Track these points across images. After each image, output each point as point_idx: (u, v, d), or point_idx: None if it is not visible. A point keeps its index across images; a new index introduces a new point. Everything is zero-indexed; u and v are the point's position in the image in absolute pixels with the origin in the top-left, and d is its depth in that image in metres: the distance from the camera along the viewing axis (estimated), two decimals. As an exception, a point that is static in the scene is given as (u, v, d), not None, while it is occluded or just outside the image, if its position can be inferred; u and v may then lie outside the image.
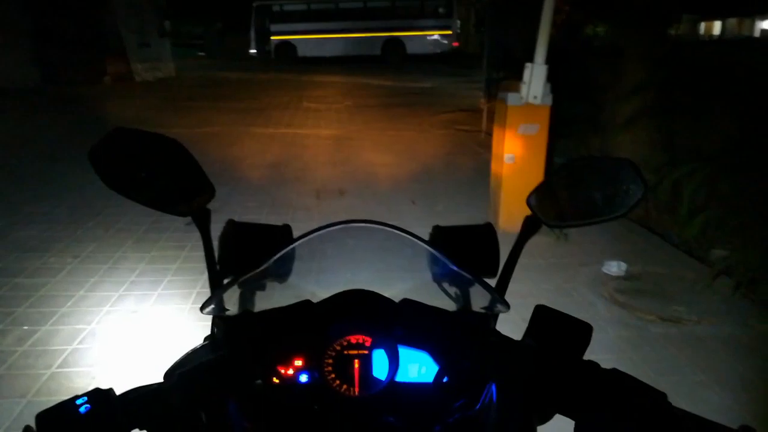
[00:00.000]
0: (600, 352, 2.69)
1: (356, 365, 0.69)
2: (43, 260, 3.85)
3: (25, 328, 3.00)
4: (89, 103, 11.70)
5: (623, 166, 0.82)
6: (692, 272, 3.75)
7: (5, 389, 2.49)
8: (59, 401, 0.56)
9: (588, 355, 0.68)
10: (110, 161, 0.79)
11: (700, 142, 4.17)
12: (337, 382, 0.69)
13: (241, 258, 0.88)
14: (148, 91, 13.93)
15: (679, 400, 0.58)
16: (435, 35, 21.37)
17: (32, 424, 0.55)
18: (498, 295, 0.78)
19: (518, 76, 4.16)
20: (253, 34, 23.00)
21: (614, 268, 3.73)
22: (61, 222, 4.60)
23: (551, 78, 4.08)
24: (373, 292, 0.77)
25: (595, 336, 0.71)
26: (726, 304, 3.33)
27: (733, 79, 4.09)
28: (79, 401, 0.56)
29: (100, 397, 0.58)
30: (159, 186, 0.83)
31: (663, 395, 0.59)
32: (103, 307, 3.24)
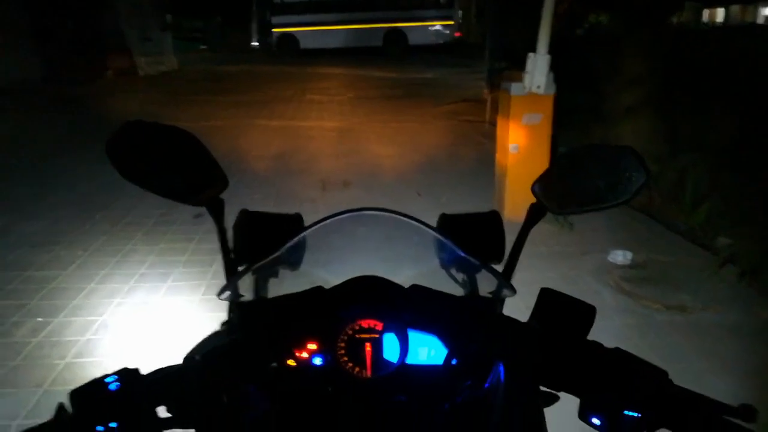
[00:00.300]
0: (606, 340, 2.66)
1: (368, 348, 0.72)
2: (53, 254, 3.89)
3: (39, 319, 3.04)
4: (92, 100, 11.70)
5: (625, 154, 0.83)
6: (697, 260, 3.77)
7: (21, 379, 2.53)
8: (90, 379, 0.59)
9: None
10: (126, 153, 0.81)
11: (702, 132, 4.18)
12: (350, 364, 0.72)
13: (254, 246, 0.90)
14: (151, 86, 13.93)
15: (684, 386, 0.60)
16: (437, 26, 21.25)
17: (54, 410, 0.58)
18: (504, 279, 0.81)
19: (521, 66, 4.17)
20: (254, 27, 22.96)
21: (619, 256, 3.75)
22: (68, 217, 4.63)
23: (554, 67, 4.09)
24: (383, 278, 0.79)
25: (601, 324, 0.73)
26: (731, 292, 3.35)
27: (734, 67, 4.09)
28: (108, 379, 0.59)
29: (128, 375, 0.61)
30: (174, 177, 0.85)
31: (664, 373, 0.61)
32: (114, 298, 3.28)
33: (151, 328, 2.98)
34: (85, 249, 3.96)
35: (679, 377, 0.61)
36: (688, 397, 0.60)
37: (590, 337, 0.72)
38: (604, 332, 0.73)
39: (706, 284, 3.44)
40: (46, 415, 0.57)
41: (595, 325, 0.74)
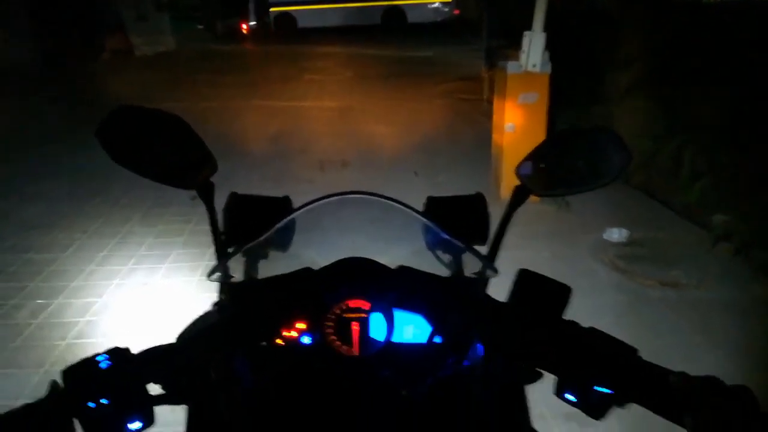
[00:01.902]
0: (600, 317, 2.75)
1: (355, 327, 0.74)
2: (52, 236, 3.91)
3: (39, 301, 3.08)
4: (89, 81, 11.65)
5: (608, 136, 0.84)
6: (693, 238, 3.79)
7: (22, 360, 2.58)
8: (82, 358, 0.61)
9: (587, 319, 0.71)
10: (116, 138, 0.83)
11: (700, 109, 4.16)
12: (338, 343, 0.73)
13: (244, 228, 0.92)
14: (147, 66, 13.83)
15: (676, 361, 0.62)
16: (435, 3, 20.98)
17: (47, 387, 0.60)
18: (488, 261, 0.82)
19: (518, 44, 4.14)
20: (252, 6, 22.67)
21: (615, 234, 3.76)
22: (65, 200, 4.65)
23: (552, 46, 4.06)
24: (370, 259, 0.80)
25: (596, 301, 0.75)
26: (725, 269, 3.38)
27: (731, 47, 4.05)
28: (99, 357, 0.61)
29: (118, 354, 0.63)
30: (164, 161, 0.86)
31: (634, 350, 0.63)
32: (113, 280, 3.31)
33: (150, 308, 3.02)
34: (84, 231, 3.99)
35: (672, 351, 0.63)
36: (657, 371, 0.61)
37: (586, 314, 0.74)
38: (598, 309, 0.75)
39: (701, 261, 3.46)
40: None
41: (589, 302, 0.76)
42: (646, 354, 0.63)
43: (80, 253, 3.66)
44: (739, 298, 3.08)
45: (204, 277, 3.26)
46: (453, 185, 4.90)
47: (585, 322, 0.72)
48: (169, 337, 0.70)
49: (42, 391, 0.58)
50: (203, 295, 3.12)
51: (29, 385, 2.38)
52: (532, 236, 3.78)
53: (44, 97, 9.90)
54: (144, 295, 3.16)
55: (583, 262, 3.50)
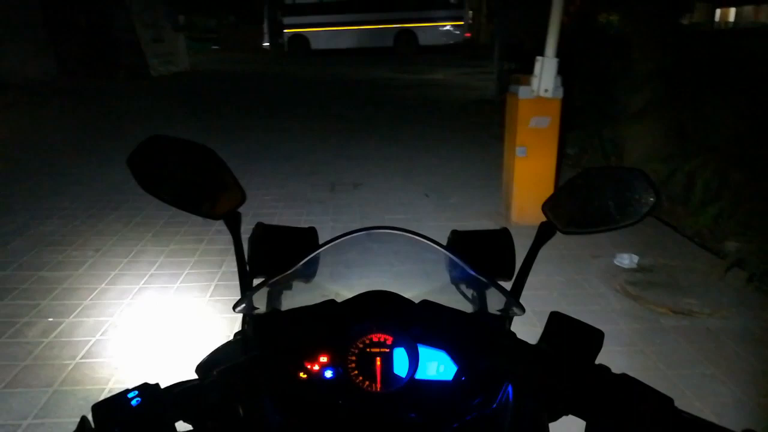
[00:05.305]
0: (611, 345, 2.71)
1: (378, 362, 0.73)
2: (65, 254, 3.95)
3: (50, 320, 3.09)
4: (104, 99, 11.82)
5: (636, 176, 0.85)
6: (705, 264, 3.76)
7: (32, 379, 2.57)
8: (112, 394, 0.61)
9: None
10: (146, 167, 0.85)
11: (713, 133, 4.15)
12: (360, 378, 0.73)
13: (269, 259, 0.93)
14: (162, 86, 14.03)
15: (689, 393, 0.61)
16: (447, 26, 21.25)
17: (68, 414, 0.60)
18: (513, 298, 0.82)
19: (529, 68, 4.17)
20: (266, 27, 23.07)
21: (626, 260, 3.74)
22: (80, 216, 4.70)
23: (563, 68, 4.09)
24: (394, 293, 0.81)
25: (606, 328, 0.75)
26: (739, 297, 3.34)
27: (744, 70, 4.06)
28: (130, 395, 0.61)
29: (148, 391, 0.63)
30: (192, 190, 0.89)
31: (670, 400, 0.62)
32: (124, 299, 3.32)
33: (160, 328, 3.02)
34: (97, 249, 4.02)
35: (685, 383, 0.62)
36: (694, 423, 0.60)
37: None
38: (609, 337, 0.74)
39: (713, 288, 3.42)
40: (56, 415, 0.59)
41: (600, 328, 0.76)
42: (659, 385, 0.62)
43: (92, 271, 3.69)
44: (753, 327, 3.04)
45: (214, 298, 3.28)
46: (464, 208, 4.90)
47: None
48: (176, 361, 0.70)
49: (50, 411, 0.58)
50: (213, 315, 3.12)
51: (38, 405, 2.37)
52: (542, 260, 3.73)
53: (63, 113, 10.05)
54: (154, 314, 3.16)
55: (594, 288, 3.47)
